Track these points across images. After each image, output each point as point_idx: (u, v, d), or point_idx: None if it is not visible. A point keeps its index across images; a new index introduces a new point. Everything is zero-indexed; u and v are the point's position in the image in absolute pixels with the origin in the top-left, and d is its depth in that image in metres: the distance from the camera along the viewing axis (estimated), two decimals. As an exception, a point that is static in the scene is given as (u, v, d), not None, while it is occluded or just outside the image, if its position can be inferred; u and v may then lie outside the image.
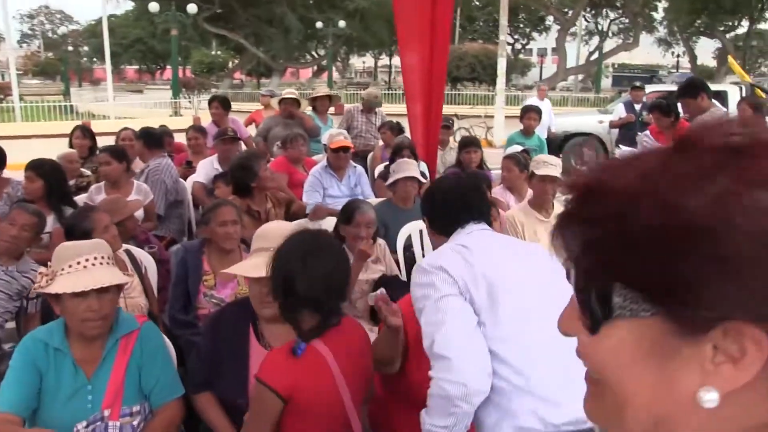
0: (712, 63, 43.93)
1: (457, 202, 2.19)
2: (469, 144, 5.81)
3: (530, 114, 7.29)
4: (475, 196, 2.25)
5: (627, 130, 9.34)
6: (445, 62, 5.97)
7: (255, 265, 2.22)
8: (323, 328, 1.98)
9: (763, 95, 12.29)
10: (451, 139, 7.48)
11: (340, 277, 2.02)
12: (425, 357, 1.98)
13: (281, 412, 1.96)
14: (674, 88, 12.38)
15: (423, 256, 4.45)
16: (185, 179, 5.66)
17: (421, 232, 4.48)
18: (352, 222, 3.70)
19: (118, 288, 2.25)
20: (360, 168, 5.77)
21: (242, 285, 3.32)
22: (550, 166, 4.11)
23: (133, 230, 3.78)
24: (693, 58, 40.32)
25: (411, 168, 4.71)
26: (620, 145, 6.84)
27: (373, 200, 5.13)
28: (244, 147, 6.54)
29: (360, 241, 3.56)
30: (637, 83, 9.75)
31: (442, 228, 2.22)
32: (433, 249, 2.29)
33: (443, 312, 1.91)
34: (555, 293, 1.97)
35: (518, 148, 6.16)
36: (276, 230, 2.34)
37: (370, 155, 7.18)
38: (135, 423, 2.24)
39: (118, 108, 21.90)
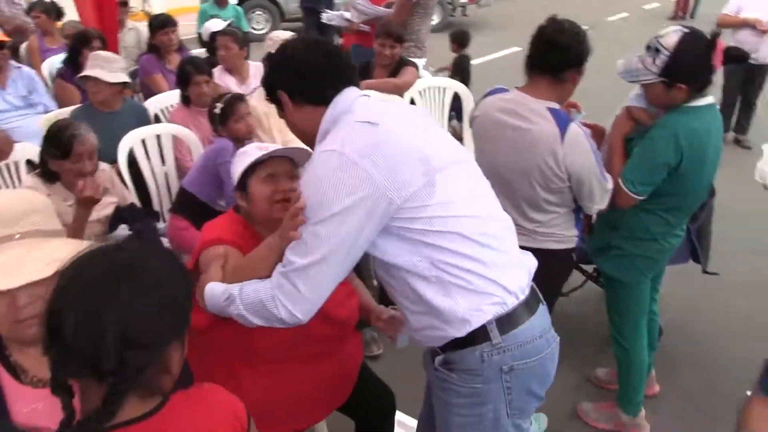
0: None
1: (328, 63, 1.75)
2: (166, 23, 4.86)
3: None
4: (343, 56, 1.82)
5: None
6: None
7: None
8: (104, 415, 1.06)
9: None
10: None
11: (151, 324, 1.07)
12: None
13: None
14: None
15: (152, 171, 3.66)
16: None
17: (144, 141, 3.64)
18: (71, 155, 2.75)
19: None
20: (28, 70, 4.50)
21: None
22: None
23: None
24: None
25: (112, 62, 3.73)
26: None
27: (59, 111, 4.06)
28: None
29: (82, 181, 2.64)
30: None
31: (313, 96, 1.75)
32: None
33: (333, 237, 1.56)
34: (465, 156, 1.79)
35: (220, 23, 5.37)
36: (10, 205, 1.41)
37: (23, 46, 5.71)
38: None
39: None
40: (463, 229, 1.61)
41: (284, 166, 2.06)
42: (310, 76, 1.74)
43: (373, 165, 1.53)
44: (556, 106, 2.32)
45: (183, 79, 3.88)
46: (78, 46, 4.40)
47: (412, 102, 4.37)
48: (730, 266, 3.75)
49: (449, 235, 1.60)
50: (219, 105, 3.20)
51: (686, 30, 2.26)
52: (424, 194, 1.57)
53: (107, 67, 3.68)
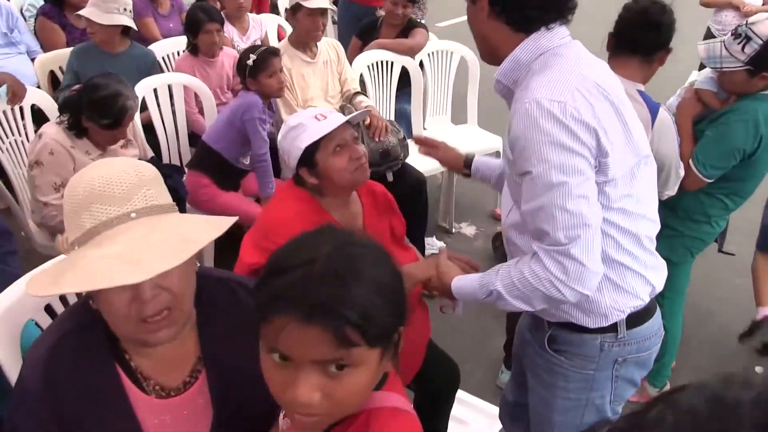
0: None
1: None
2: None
3: None
4: None
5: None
6: None
7: (114, 262, 1.06)
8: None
9: None
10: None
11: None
12: None
13: None
14: None
15: (163, 121, 3.42)
16: None
17: (156, 91, 3.39)
18: (121, 125, 2.56)
19: None
20: (7, 5, 4.09)
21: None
22: (321, -5, 3.31)
23: None
24: None
25: (108, 1, 3.41)
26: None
27: (56, 53, 3.74)
28: None
29: None
30: None
31: (517, 19, 1.48)
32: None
33: (580, 198, 1.37)
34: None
35: None
36: (120, 180, 1.14)
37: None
38: None
39: None
40: (642, 230, 1.56)
41: (348, 132, 1.93)
42: None
43: (601, 130, 1.38)
44: (642, 87, 2.29)
45: (193, 27, 3.64)
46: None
47: (421, 65, 4.23)
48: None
49: (630, 235, 1.52)
50: (252, 57, 2.99)
51: None
52: (626, 181, 1.47)
53: (102, 7, 3.39)
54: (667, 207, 2.62)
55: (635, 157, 1.48)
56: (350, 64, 3.85)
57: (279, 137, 1.97)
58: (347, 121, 1.94)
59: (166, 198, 1.19)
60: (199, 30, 3.59)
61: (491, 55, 1.57)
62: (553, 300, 1.45)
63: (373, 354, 0.94)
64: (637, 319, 1.62)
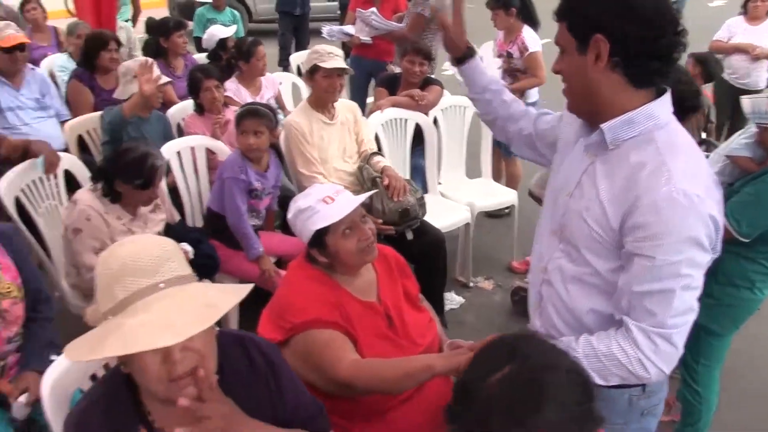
0: None
1: (674, 31, 1.36)
2: (181, 25, 4.68)
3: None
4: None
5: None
6: None
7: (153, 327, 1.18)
8: None
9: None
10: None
11: None
12: None
13: None
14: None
15: (187, 185, 3.51)
16: None
17: (179, 154, 3.50)
18: (153, 185, 2.72)
19: None
20: (41, 72, 4.28)
21: None
22: (336, 57, 3.43)
23: None
24: None
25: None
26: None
27: (89, 116, 3.90)
28: None
29: None
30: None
31: (640, 72, 1.40)
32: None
33: (696, 289, 1.43)
34: None
35: (224, 29, 5.15)
36: (148, 253, 1.26)
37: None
38: None
39: None
40: None
41: (356, 213, 1.98)
42: (658, 41, 1.34)
43: (719, 223, 1.42)
44: None
45: (193, 87, 3.78)
46: (95, 47, 4.22)
47: (435, 122, 4.35)
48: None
49: None
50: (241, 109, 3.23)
51: None
52: None
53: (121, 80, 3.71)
54: (707, 272, 2.56)
55: None
56: (379, 110, 4.03)
57: (289, 216, 2.04)
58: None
59: (186, 269, 1.30)
60: (200, 89, 3.71)
61: (593, 111, 1.48)
62: (634, 376, 1.46)
63: None
64: None
